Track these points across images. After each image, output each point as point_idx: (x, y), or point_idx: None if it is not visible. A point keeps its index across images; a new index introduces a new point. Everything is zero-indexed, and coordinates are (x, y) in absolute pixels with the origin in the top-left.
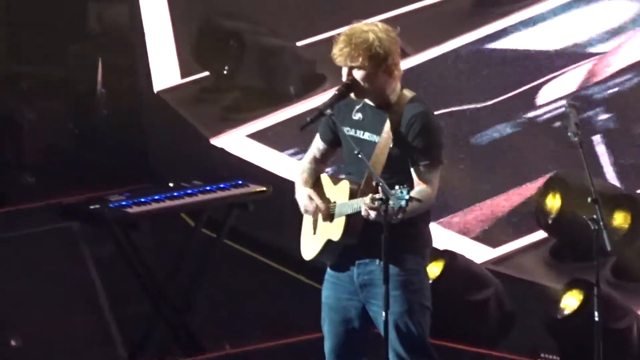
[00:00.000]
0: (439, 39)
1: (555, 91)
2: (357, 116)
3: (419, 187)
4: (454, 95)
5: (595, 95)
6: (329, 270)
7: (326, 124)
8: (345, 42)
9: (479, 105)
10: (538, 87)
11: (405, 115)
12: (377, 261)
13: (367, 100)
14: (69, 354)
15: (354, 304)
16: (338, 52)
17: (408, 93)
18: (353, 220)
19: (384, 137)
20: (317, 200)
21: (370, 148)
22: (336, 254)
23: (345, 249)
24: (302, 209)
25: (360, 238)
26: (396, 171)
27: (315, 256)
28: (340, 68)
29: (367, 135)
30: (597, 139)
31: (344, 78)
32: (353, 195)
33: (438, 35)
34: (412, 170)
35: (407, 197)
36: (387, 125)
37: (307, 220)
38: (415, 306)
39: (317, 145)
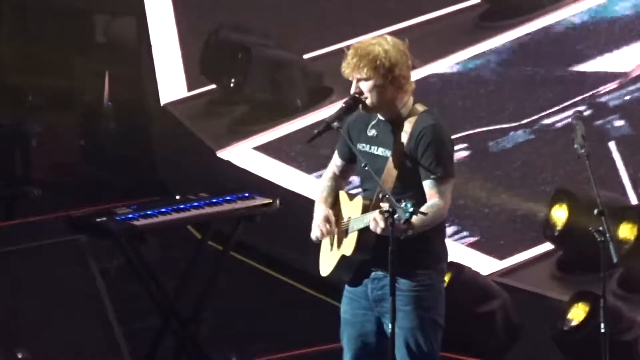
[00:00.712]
0: (443, 53)
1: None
2: (372, 132)
3: (431, 201)
4: (471, 116)
5: (610, 102)
6: (346, 285)
7: (343, 141)
8: (352, 54)
9: (498, 127)
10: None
11: (415, 128)
12: None
13: (380, 116)
14: None
15: (369, 319)
16: (345, 65)
17: (420, 107)
18: (365, 235)
19: (395, 151)
20: (332, 219)
21: (383, 163)
22: (351, 270)
23: (360, 265)
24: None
25: (373, 253)
26: (408, 185)
27: (331, 272)
28: (349, 82)
29: (380, 151)
30: (612, 146)
31: (352, 90)
32: (366, 210)
33: (443, 48)
34: (423, 183)
35: (411, 209)
36: (398, 139)
37: (326, 238)
38: (426, 322)
39: (335, 161)
